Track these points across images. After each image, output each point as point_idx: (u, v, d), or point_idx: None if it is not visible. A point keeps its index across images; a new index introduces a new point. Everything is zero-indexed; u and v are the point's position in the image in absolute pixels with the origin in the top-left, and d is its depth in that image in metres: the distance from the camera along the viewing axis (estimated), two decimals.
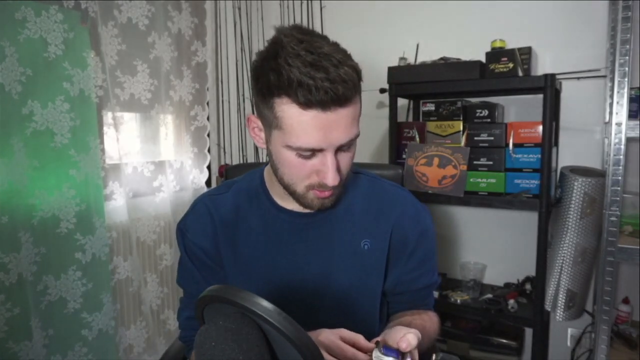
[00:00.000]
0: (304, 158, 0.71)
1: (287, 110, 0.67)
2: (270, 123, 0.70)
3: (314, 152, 0.70)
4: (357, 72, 0.69)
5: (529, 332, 1.78)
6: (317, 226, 0.84)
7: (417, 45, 1.91)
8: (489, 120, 1.63)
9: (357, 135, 0.72)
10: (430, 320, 0.87)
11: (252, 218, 0.86)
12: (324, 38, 0.70)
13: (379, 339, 0.62)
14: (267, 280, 0.84)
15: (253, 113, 0.78)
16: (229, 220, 0.86)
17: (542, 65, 1.69)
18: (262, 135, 0.76)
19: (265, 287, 0.84)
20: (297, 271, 0.84)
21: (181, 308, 0.92)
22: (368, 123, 2.07)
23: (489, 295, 1.70)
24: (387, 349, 0.59)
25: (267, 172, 0.86)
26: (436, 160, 1.65)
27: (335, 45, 0.70)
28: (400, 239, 0.86)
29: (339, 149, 0.71)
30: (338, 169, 0.72)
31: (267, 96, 0.68)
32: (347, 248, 0.84)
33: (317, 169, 0.72)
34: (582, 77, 1.64)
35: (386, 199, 0.88)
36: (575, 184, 1.45)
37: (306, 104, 0.65)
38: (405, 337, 0.58)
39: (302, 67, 0.64)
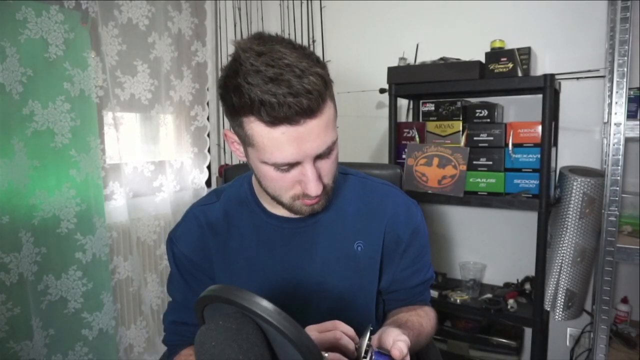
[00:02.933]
0: (283, 171, 0.70)
1: (256, 128, 0.65)
2: (244, 140, 0.69)
3: (291, 165, 0.69)
4: (322, 78, 0.65)
5: (528, 332, 1.78)
6: (309, 230, 0.84)
7: (417, 45, 1.91)
8: (488, 120, 1.63)
9: (334, 141, 0.71)
10: (427, 316, 0.87)
11: (243, 225, 0.86)
12: (288, 45, 0.66)
13: (374, 341, 0.62)
14: (261, 287, 0.84)
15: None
16: (220, 230, 0.86)
17: (542, 66, 1.69)
18: (241, 148, 0.74)
19: (260, 294, 0.84)
20: (291, 276, 0.84)
21: (167, 312, 0.92)
22: (368, 123, 2.07)
23: (489, 295, 1.70)
24: (378, 353, 0.59)
25: (255, 178, 0.86)
26: (436, 160, 1.65)
27: (301, 50, 0.66)
28: (393, 238, 0.86)
29: (318, 157, 0.70)
30: (320, 177, 0.71)
31: (234, 115, 0.67)
32: (340, 251, 0.84)
33: (298, 179, 0.71)
34: (581, 78, 1.64)
35: (377, 199, 0.88)
36: (575, 184, 1.46)
37: (272, 122, 0.63)
38: (397, 345, 0.58)
39: (262, 84, 0.61)
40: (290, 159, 0.67)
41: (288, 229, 0.84)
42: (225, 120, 2.16)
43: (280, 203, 0.76)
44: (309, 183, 0.70)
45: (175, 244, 0.87)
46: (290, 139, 0.65)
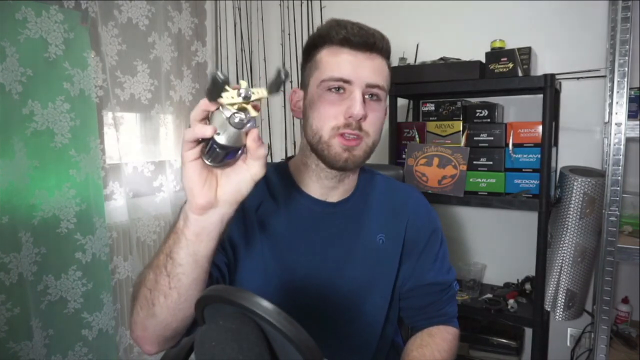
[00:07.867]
0: (335, 92, 0.77)
1: (325, 52, 0.79)
2: (311, 73, 0.81)
3: (344, 85, 0.77)
4: (389, 48, 0.82)
5: (528, 332, 1.78)
6: (336, 216, 0.87)
7: (417, 45, 1.91)
8: (488, 120, 1.63)
9: (384, 89, 0.80)
10: (438, 345, 0.87)
11: (277, 198, 0.86)
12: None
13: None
14: (283, 265, 0.83)
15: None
16: (253, 205, 0.83)
17: (542, 65, 1.69)
18: (301, 104, 0.84)
19: (279, 269, 0.83)
20: (313, 258, 0.85)
21: None
22: None
23: (489, 295, 1.70)
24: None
25: (293, 161, 0.90)
26: (436, 160, 1.65)
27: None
28: (413, 236, 0.91)
29: (368, 95, 0.78)
30: (365, 115, 0.77)
31: (311, 53, 0.81)
32: (363, 240, 0.87)
33: (346, 105, 0.77)
34: (581, 77, 1.64)
35: (401, 198, 0.93)
36: (575, 184, 1.45)
37: (340, 42, 0.77)
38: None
39: (345, 24, 0.78)
40: (345, 75, 0.76)
41: (317, 212, 0.86)
42: None
43: (318, 142, 0.79)
44: (355, 104, 0.75)
45: None
46: (350, 60, 0.77)
